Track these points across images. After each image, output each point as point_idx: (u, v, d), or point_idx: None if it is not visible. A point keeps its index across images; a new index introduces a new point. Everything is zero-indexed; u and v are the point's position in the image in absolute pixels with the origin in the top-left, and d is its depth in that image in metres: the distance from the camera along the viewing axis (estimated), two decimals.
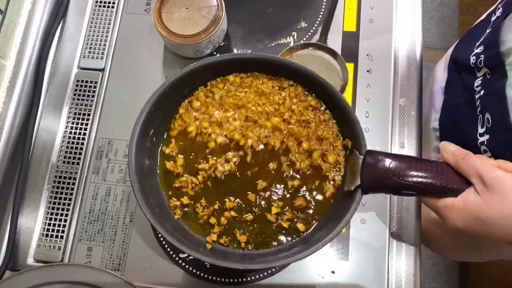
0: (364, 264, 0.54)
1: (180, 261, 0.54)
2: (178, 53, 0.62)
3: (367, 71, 0.61)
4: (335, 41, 0.62)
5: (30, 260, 0.56)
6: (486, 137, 0.51)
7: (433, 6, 1.58)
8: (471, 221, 0.40)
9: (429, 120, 0.68)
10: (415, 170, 0.42)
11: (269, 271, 0.54)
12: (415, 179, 0.41)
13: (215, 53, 0.63)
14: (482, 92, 0.52)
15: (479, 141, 0.52)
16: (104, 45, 0.64)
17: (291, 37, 0.63)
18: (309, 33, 0.63)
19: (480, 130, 0.52)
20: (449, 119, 0.62)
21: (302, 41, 0.63)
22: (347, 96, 0.60)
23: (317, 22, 0.64)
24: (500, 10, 0.53)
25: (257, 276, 0.53)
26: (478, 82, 0.53)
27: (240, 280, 0.53)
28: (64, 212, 0.57)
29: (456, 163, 0.42)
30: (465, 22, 1.55)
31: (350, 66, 0.61)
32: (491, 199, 0.38)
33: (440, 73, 0.68)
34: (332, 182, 0.49)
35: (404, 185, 0.42)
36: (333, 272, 0.54)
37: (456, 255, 0.81)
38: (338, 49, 0.62)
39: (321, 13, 0.65)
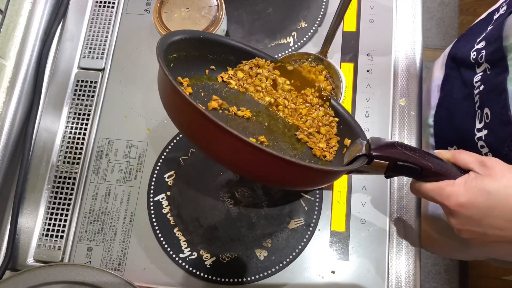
0: (364, 264, 0.54)
1: (180, 261, 0.55)
2: None
3: (367, 71, 0.61)
4: (335, 41, 0.62)
5: (30, 260, 0.56)
6: (484, 132, 0.51)
7: (433, 6, 1.58)
8: (476, 192, 0.40)
9: (423, 118, 0.69)
10: (418, 151, 0.44)
11: (269, 271, 0.54)
12: (417, 155, 0.43)
13: None
14: (481, 87, 0.52)
15: (476, 137, 0.52)
16: (104, 45, 0.64)
17: (291, 37, 0.63)
18: (309, 33, 0.63)
19: (478, 126, 0.52)
20: (445, 116, 0.62)
21: (304, 47, 0.63)
22: (347, 96, 0.60)
23: (317, 22, 0.64)
24: (504, 8, 0.53)
25: (257, 276, 0.54)
26: (477, 77, 0.53)
27: (240, 280, 0.53)
28: (64, 212, 0.57)
29: (453, 156, 0.44)
30: (465, 22, 1.56)
31: (350, 66, 0.61)
32: (494, 173, 0.40)
33: (437, 72, 0.68)
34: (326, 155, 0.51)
35: (408, 157, 0.43)
36: (333, 272, 0.54)
37: (443, 251, 0.82)
38: (338, 49, 0.62)
39: (321, 13, 0.65)
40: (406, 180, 0.57)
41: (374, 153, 0.43)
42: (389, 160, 0.43)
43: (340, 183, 0.57)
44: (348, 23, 0.63)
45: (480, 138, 0.52)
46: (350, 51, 0.62)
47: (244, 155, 0.36)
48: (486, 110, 0.50)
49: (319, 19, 0.64)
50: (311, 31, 0.64)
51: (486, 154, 0.51)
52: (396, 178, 0.57)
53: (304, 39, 0.63)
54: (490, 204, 0.40)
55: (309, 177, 0.40)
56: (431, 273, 1.33)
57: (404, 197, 0.56)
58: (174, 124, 0.42)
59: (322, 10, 0.65)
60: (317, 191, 0.56)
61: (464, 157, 0.43)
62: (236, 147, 0.36)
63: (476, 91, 0.53)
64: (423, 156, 0.43)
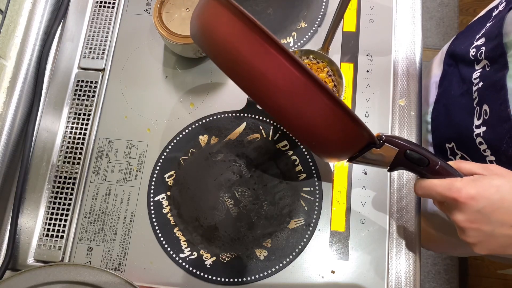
0: (364, 264, 0.54)
1: (180, 261, 0.55)
2: (178, 53, 0.62)
3: (367, 71, 0.61)
4: (335, 41, 0.62)
5: (30, 260, 0.56)
6: (483, 128, 0.51)
7: (433, 6, 1.58)
8: (485, 185, 0.40)
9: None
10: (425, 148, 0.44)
11: (269, 271, 0.54)
12: (425, 149, 0.44)
13: None
14: (480, 84, 0.52)
15: (475, 133, 0.52)
16: (104, 45, 0.64)
17: (291, 37, 0.64)
18: (309, 34, 0.64)
19: (477, 122, 0.52)
20: (442, 112, 0.62)
21: (304, 47, 0.63)
22: (347, 96, 0.60)
23: (317, 22, 0.64)
24: (503, 4, 0.53)
25: (257, 276, 0.54)
26: (476, 74, 0.53)
27: (240, 280, 0.54)
28: (64, 212, 0.57)
29: (455, 163, 0.44)
30: (465, 22, 1.56)
31: (350, 66, 0.61)
32: (499, 173, 0.41)
33: (435, 69, 0.68)
34: None
35: (418, 147, 0.43)
36: (333, 272, 0.54)
37: (440, 248, 0.82)
38: (338, 49, 0.62)
39: (321, 13, 0.65)
40: (406, 180, 0.57)
41: (385, 138, 0.43)
42: (399, 146, 0.43)
43: (340, 183, 0.57)
44: (348, 23, 0.64)
45: (478, 135, 0.52)
46: (350, 51, 0.62)
47: (289, 74, 0.37)
48: (485, 107, 0.50)
49: (319, 19, 0.64)
50: (311, 31, 0.64)
51: (484, 151, 0.51)
52: (396, 178, 0.57)
53: (304, 39, 0.63)
54: (500, 196, 0.39)
55: (333, 121, 0.39)
56: (430, 273, 1.33)
57: (403, 197, 0.56)
58: (208, 47, 0.40)
59: (322, 10, 0.65)
60: (317, 191, 0.56)
61: (467, 164, 0.43)
62: (279, 62, 0.36)
63: (474, 88, 0.53)
64: (430, 152, 0.44)
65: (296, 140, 0.59)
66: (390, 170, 0.46)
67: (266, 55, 0.37)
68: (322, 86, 0.37)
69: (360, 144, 0.43)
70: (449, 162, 0.44)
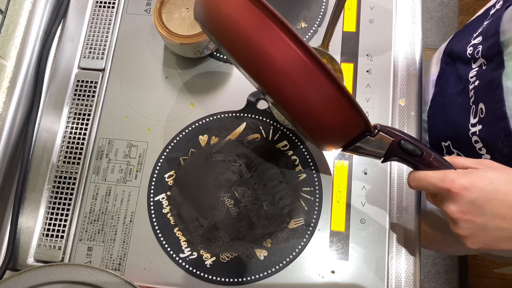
0: (364, 264, 0.54)
1: (180, 261, 0.55)
2: (178, 53, 0.62)
3: (367, 71, 0.61)
4: (334, 42, 0.62)
5: (30, 260, 0.56)
6: (478, 127, 0.51)
7: (433, 6, 1.58)
8: (479, 177, 0.40)
9: None
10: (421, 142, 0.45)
11: (269, 271, 0.54)
12: (419, 142, 0.44)
13: (215, 53, 0.63)
14: (477, 82, 0.52)
15: (470, 132, 0.52)
16: (104, 45, 0.64)
17: None
18: (309, 34, 0.64)
19: (472, 121, 0.52)
20: (439, 110, 0.63)
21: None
22: None
23: (317, 22, 0.64)
24: (501, 3, 0.53)
25: (257, 276, 0.54)
26: (473, 72, 0.54)
27: (240, 280, 0.54)
28: (64, 212, 0.57)
29: (449, 158, 0.44)
30: (465, 22, 1.55)
31: (350, 66, 0.61)
32: (493, 166, 0.42)
33: (432, 67, 0.68)
34: None
35: (413, 138, 0.43)
36: (333, 272, 0.54)
37: (436, 246, 0.82)
38: (338, 49, 0.62)
39: (321, 13, 0.65)
40: (406, 180, 0.57)
41: (380, 127, 0.43)
42: (394, 136, 0.43)
43: (340, 183, 0.57)
44: (348, 23, 0.64)
45: (474, 133, 0.52)
46: (350, 51, 0.62)
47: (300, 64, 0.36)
48: (481, 105, 0.51)
49: (319, 19, 0.64)
50: (311, 31, 0.64)
51: (480, 150, 0.51)
52: (396, 178, 0.57)
53: (304, 39, 0.63)
54: (494, 187, 0.39)
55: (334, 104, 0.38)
56: (430, 273, 1.34)
57: (403, 197, 0.57)
58: (211, 24, 0.40)
59: (322, 10, 0.65)
60: (317, 191, 0.57)
61: (461, 159, 0.44)
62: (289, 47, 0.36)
63: (471, 86, 0.53)
64: (424, 144, 0.44)
65: (296, 140, 0.59)
66: (383, 161, 0.46)
67: (268, 32, 0.36)
68: (323, 67, 0.36)
69: (356, 131, 0.42)
70: (444, 157, 0.45)
